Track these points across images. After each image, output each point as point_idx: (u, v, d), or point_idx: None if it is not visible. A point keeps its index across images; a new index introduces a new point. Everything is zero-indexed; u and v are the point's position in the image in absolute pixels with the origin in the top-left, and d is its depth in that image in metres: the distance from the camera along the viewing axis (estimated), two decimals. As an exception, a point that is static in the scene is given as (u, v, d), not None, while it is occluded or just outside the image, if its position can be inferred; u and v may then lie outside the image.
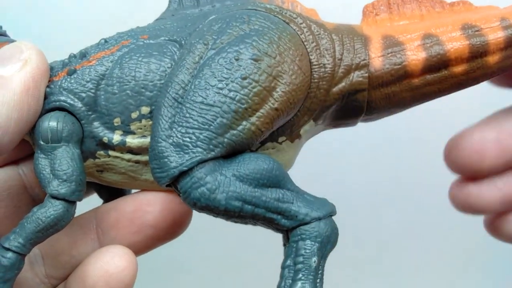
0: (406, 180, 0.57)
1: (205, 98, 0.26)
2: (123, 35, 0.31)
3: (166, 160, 0.26)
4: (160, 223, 0.31)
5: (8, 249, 0.26)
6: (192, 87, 0.27)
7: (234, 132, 0.27)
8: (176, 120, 0.26)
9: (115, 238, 0.31)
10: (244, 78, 0.27)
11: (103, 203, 0.36)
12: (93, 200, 0.36)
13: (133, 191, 0.34)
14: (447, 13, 0.33)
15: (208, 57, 0.28)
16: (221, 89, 0.27)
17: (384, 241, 0.59)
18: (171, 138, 0.26)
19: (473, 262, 0.59)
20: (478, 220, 0.37)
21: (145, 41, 0.30)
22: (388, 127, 0.36)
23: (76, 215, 0.29)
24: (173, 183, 0.26)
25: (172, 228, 0.31)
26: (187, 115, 0.26)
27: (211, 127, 0.26)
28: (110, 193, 0.35)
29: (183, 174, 0.26)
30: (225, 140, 0.26)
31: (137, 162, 0.30)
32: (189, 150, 0.26)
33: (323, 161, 0.53)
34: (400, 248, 0.59)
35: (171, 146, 0.26)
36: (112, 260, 0.29)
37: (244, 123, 0.27)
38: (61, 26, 0.52)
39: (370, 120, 0.33)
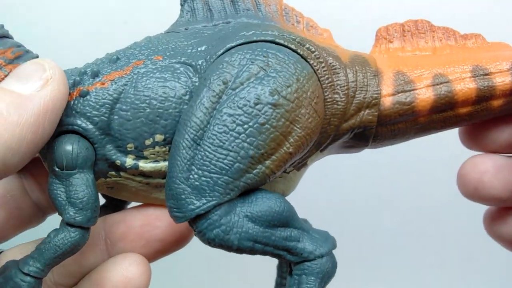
0: (406, 185, 0.58)
1: (223, 143, 0.27)
2: (136, 52, 0.30)
3: (184, 202, 0.27)
4: (167, 237, 0.32)
5: (27, 274, 0.28)
6: (211, 128, 0.27)
7: (250, 175, 0.27)
8: (194, 163, 0.27)
9: (123, 250, 0.32)
10: (263, 124, 0.27)
11: (105, 202, 0.37)
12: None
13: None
14: (459, 48, 0.33)
15: (227, 97, 0.28)
16: (239, 134, 0.27)
17: (383, 246, 0.61)
18: (189, 180, 0.27)
19: (473, 267, 0.61)
20: (478, 229, 0.39)
21: (159, 63, 0.30)
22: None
23: None
24: (189, 222, 0.28)
25: (178, 242, 0.33)
26: (206, 158, 0.27)
27: (229, 172, 0.27)
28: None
29: (199, 216, 0.27)
30: (241, 183, 0.27)
31: (147, 183, 0.31)
32: (207, 194, 0.27)
33: (323, 167, 0.54)
34: (400, 254, 0.61)
35: (189, 188, 0.27)
36: (130, 266, 0.31)
37: (259, 167, 0.28)
38: (61, 26, 0.49)
39: (374, 148, 0.34)
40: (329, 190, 0.58)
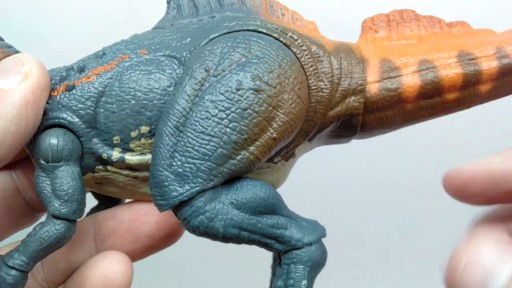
0: (406, 184, 0.57)
1: (206, 129, 0.27)
2: (122, 47, 0.31)
3: (167, 189, 0.27)
4: (157, 233, 0.32)
5: (12, 268, 0.27)
6: (193, 115, 0.27)
7: (233, 161, 0.27)
8: (177, 149, 0.27)
9: (112, 246, 0.32)
10: (245, 109, 0.27)
11: (98, 204, 0.37)
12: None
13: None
14: (445, 36, 0.33)
15: (209, 84, 0.28)
16: (221, 119, 0.27)
17: (384, 247, 0.60)
18: (172, 167, 0.27)
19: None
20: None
21: (144, 56, 0.30)
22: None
23: None
24: (173, 210, 0.27)
25: (168, 238, 0.33)
26: (188, 144, 0.27)
27: (212, 158, 0.27)
28: (107, 196, 0.36)
29: (183, 203, 0.27)
30: (224, 169, 0.27)
31: (135, 177, 0.31)
32: (190, 180, 0.27)
33: (322, 166, 0.54)
34: (399, 253, 0.60)
35: (172, 175, 0.27)
36: (110, 265, 0.31)
37: (243, 152, 0.27)
38: (61, 26, 0.50)
39: (363, 138, 0.34)
40: (325, 189, 0.57)
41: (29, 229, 0.35)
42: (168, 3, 0.33)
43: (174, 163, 0.27)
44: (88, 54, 0.32)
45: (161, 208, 0.27)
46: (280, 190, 0.30)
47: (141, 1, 0.50)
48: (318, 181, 0.55)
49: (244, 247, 0.34)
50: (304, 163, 0.34)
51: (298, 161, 0.34)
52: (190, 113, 0.27)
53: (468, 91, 0.31)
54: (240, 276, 0.61)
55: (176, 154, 0.27)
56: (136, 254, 0.32)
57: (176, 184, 0.27)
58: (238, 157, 0.27)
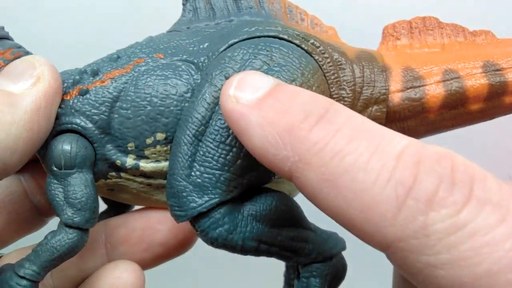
0: None
1: (226, 138, 0.26)
2: (137, 51, 0.30)
3: (185, 200, 0.26)
4: (169, 241, 0.31)
5: (22, 277, 0.26)
6: (213, 124, 0.26)
7: (254, 173, 0.26)
8: (196, 159, 0.26)
9: (124, 254, 0.31)
10: None
11: (107, 208, 0.36)
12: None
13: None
14: (469, 45, 0.32)
15: None
16: None
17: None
18: (191, 177, 0.26)
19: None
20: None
21: (160, 61, 0.29)
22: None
23: None
24: (191, 221, 0.27)
25: (180, 246, 0.32)
26: (208, 154, 0.26)
27: (232, 168, 0.26)
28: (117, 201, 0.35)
29: (201, 214, 0.26)
30: (244, 181, 0.26)
31: (149, 184, 0.30)
32: (209, 191, 0.26)
33: None
34: None
35: (191, 186, 0.26)
36: (121, 275, 0.30)
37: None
38: (61, 26, 0.49)
39: None
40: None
41: (36, 234, 0.34)
42: (184, 5, 0.32)
43: (192, 173, 0.26)
44: (87, 53, 0.31)
45: (178, 219, 0.26)
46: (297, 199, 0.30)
47: (141, 1, 0.49)
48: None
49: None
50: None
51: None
52: (210, 121, 0.27)
53: (493, 102, 0.31)
54: (243, 277, 0.60)
55: (195, 164, 0.26)
56: (148, 263, 0.32)
57: (195, 195, 0.26)
58: (258, 168, 0.26)
